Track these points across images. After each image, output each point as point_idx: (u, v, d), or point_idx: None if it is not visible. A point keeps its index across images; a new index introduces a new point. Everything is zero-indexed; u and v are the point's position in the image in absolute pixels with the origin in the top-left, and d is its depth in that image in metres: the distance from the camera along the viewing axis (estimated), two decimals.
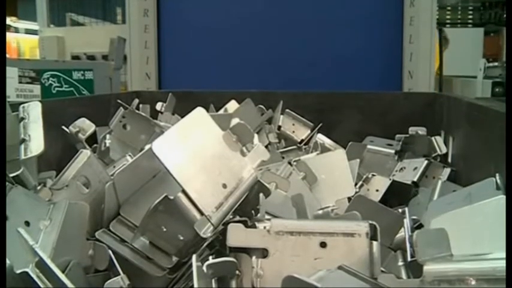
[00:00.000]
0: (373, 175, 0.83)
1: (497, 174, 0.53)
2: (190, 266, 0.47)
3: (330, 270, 0.38)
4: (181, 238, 0.48)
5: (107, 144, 0.86)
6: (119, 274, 0.47)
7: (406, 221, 0.54)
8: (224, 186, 0.48)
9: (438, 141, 0.97)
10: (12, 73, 1.60)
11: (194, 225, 0.45)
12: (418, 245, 0.36)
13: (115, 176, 0.57)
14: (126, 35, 1.74)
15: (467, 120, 0.88)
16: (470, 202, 0.45)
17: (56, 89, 1.68)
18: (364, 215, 0.48)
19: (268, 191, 0.53)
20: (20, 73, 1.62)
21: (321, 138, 1.05)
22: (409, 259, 0.49)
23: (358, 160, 0.84)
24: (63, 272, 0.39)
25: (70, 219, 0.48)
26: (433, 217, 0.44)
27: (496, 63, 3.35)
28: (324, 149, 0.92)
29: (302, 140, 1.09)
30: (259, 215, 0.52)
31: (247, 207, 0.51)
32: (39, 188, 0.55)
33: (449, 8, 4.49)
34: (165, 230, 0.48)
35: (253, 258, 0.42)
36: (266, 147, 0.98)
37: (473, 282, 0.34)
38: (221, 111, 1.05)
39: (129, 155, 0.77)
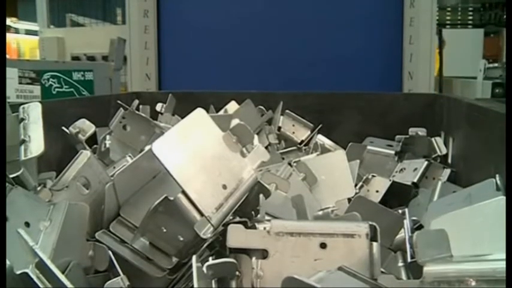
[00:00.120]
0: (373, 176, 0.83)
1: (497, 175, 0.53)
2: (190, 266, 0.47)
3: (330, 271, 0.38)
4: (181, 239, 0.48)
5: (107, 145, 0.86)
6: (119, 275, 0.47)
7: (406, 222, 0.54)
8: (224, 187, 0.48)
9: (438, 142, 0.97)
10: (12, 74, 1.60)
11: (194, 226, 0.45)
12: (418, 246, 0.36)
13: (115, 176, 0.57)
14: (126, 36, 1.74)
15: (467, 121, 0.88)
16: (470, 203, 0.45)
17: (56, 89, 1.68)
18: (364, 216, 0.48)
19: (268, 191, 0.53)
20: (20, 74, 1.62)
21: (321, 139, 1.05)
22: (409, 260, 0.49)
23: (358, 161, 0.84)
24: (63, 272, 0.39)
25: (70, 220, 0.48)
26: (433, 218, 0.44)
27: (496, 64, 3.36)
28: (324, 150, 0.92)
29: (302, 141, 1.09)
30: (259, 215, 0.52)
31: (247, 208, 0.51)
32: (39, 188, 0.55)
33: (449, 9, 4.50)
34: (165, 230, 0.48)
35: (253, 259, 0.42)
36: (266, 148, 0.98)
37: (473, 283, 0.34)
38: (221, 112, 1.05)
39: (129, 156, 0.77)
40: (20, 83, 1.62)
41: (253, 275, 0.42)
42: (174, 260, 0.51)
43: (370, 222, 0.42)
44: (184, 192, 0.45)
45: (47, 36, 3.01)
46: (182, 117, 0.51)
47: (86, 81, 1.74)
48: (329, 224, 0.44)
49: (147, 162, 0.56)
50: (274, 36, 1.67)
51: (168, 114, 1.07)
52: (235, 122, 0.59)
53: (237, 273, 0.41)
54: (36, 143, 0.55)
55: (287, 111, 1.12)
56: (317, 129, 1.08)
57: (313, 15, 1.66)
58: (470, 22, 4.55)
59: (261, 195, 0.52)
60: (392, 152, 1.00)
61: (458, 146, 0.93)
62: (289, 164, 0.77)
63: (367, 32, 1.66)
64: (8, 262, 0.36)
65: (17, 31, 5.38)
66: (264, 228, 0.43)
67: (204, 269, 0.38)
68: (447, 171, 0.87)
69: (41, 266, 0.37)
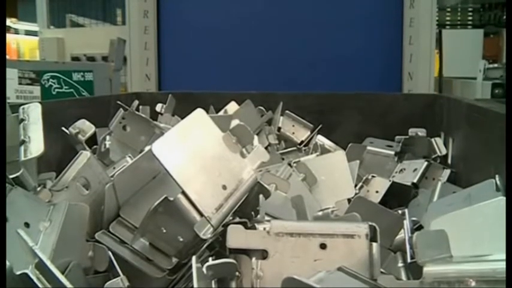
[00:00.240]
0: (373, 176, 0.83)
1: (497, 176, 0.53)
2: (190, 267, 0.47)
3: (329, 272, 0.38)
4: (181, 239, 0.48)
5: (107, 146, 0.86)
6: (119, 275, 0.46)
7: (406, 223, 0.54)
8: (224, 187, 0.48)
9: (438, 142, 0.97)
10: (12, 74, 1.60)
11: (194, 226, 0.45)
12: (418, 247, 0.36)
13: (115, 177, 0.57)
14: (126, 36, 1.74)
15: (467, 121, 0.88)
16: (470, 203, 0.45)
17: (56, 90, 1.68)
18: (364, 216, 0.48)
19: (268, 192, 0.53)
20: (20, 74, 1.62)
21: (320, 139, 1.05)
22: (408, 260, 0.48)
23: (358, 161, 0.84)
24: (63, 273, 0.39)
25: (70, 221, 0.48)
26: (432, 218, 0.44)
27: (495, 65, 3.36)
28: (324, 150, 0.92)
29: (302, 142, 1.09)
30: (259, 216, 0.52)
31: (247, 208, 0.51)
32: (39, 189, 0.55)
33: (449, 9, 4.50)
34: (164, 231, 0.48)
35: (253, 259, 0.42)
36: (266, 148, 0.98)
37: (473, 284, 0.34)
38: (221, 113, 1.05)
39: (129, 156, 0.77)
40: (20, 84, 1.62)
41: (253, 275, 0.42)
42: (174, 260, 0.51)
43: (370, 223, 0.42)
44: (184, 193, 0.45)
45: (47, 37, 3.01)
46: (182, 118, 0.51)
47: (86, 81, 1.74)
48: (329, 224, 0.44)
49: (147, 162, 0.56)
50: (274, 36, 1.67)
51: (168, 114, 1.07)
52: (235, 122, 0.59)
53: (237, 273, 0.41)
54: (36, 144, 0.55)
55: (287, 111, 1.12)
56: (317, 129, 1.08)
57: (313, 16, 1.67)
58: (470, 23, 4.55)
59: (260, 196, 0.52)
60: (392, 153, 1.00)
61: (458, 147, 0.93)
62: (289, 164, 0.77)
63: (367, 33, 1.66)
64: (7, 262, 0.36)
65: (16, 32, 5.38)
66: (264, 228, 0.43)
67: (204, 269, 0.38)
68: (447, 172, 0.87)
69: (41, 266, 0.37)
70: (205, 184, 0.47)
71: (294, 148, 1.07)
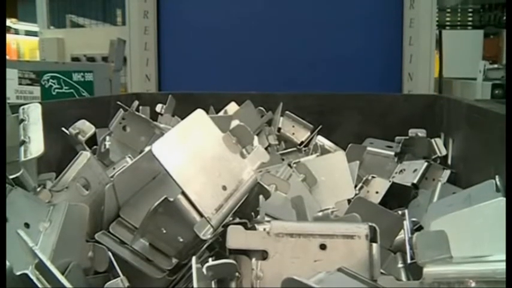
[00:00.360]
0: (373, 177, 0.83)
1: (497, 176, 0.52)
2: (190, 267, 0.47)
3: (329, 272, 0.38)
4: (181, 240, 0.48)
5: (107, 146, 0.86)
6: (119, 276, 0.47)
7: (406, 223, 0.54)
8: (224, 188, 0.48)
9: (438, 143, 0.97)
10: (12, 75, 1.60)
11: (194, 227, 0.45)
12: (418, 247, 0.37)
13: (115, 177, 0.57)
14: (126, 37, 1.74)
15: (467, 122, 0.88)
16: (470, 204, 0.45)
17: (56, 90, 1.68)
18: (364, 217, 0.48)
19: (268, 193, 0.53)
20: (20, 75, 1.62)
21: (320, 140, 1.05)
22: (408, 261, 0.49)
23: (358, 162, 0.84)
24: (62, 273, 0.39)
25: (70, 221, 0.48)
26: (432, 219, 0.44)
27: (495, 66, 3.36)
28: (324, 151, 0.92)
29: (302, 142, 1.09)
30: (259, 216, 0.52)
31: (247, 209, 0.51)
32: (39, 189, 0.55)
33: (449, 10, 4.50)
34: (164, 231, 0.48)
35: (253, 260, 0.42)
36: (266, 149, 0.98)
37: (473, 285, 0.34)
38: (221, 113, 1.05)
39: (129, 157, 0.77)
40: (20, 84, 1.62)
41: (253, 276, 0.42)
42: (174, 261, 0.51)
43: (370, 223, 0.42)
44: (184, 193, 0.45)
45: (47, 37, 3.00)
46: (182, 118, 0.51)
47: (86, 82, 1.74)
48: (329, 225, 0.44)
49: (147, 163, 0.56)
50: (274, 37, 1.67)
51: (168, 115, 1.07)
52: (235, 123, 0.59)
53: (237, 274, 0.41)
54: (36, 144, 0.55)
55: (287, 112, 1.12)
56: (317, 130, 1.08)
57: (313, 16, 1.67)
58: (470, 23, 4.55)
59: (260, 196, 0.52)
60: (392, 153, 1.00)
61: (458, 147, 0.93)
62: (289, 165, 0.77)
63: (367, 33, 1.66)
64: (7, 263, 0.36)
65: (16, 32, 5.38)
66: (264, 229, 0.43)
67: (204, 270, 0.38)
68: (447, 172, 0.87)
69: (41, 267, 0.37)
70: (205, 185, 0.47)
71: (294, 149, 1.07)
